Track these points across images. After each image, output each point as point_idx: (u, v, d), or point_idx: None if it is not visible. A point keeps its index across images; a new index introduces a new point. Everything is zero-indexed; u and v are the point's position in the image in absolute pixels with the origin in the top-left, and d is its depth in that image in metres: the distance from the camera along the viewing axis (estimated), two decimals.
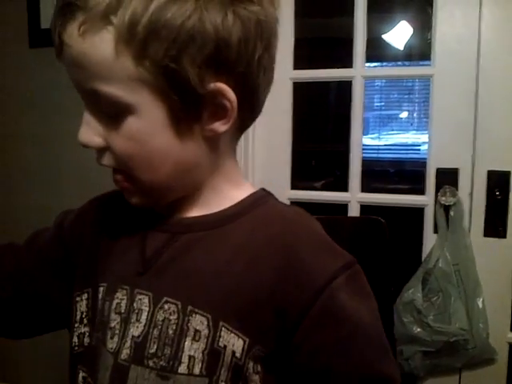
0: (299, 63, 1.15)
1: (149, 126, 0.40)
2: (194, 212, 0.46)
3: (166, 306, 0.43)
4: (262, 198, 0.48)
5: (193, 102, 0.39)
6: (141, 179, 0.42)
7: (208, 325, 0.41)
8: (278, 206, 0.49)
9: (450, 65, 1.04)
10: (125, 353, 0.43)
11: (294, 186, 1.17)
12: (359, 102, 1.11)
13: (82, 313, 0.48)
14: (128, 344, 0.43)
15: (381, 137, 3.18)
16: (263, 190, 0.50)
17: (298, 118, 1.17)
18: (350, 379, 0.40)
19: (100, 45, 0.37)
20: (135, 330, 0.43)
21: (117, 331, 0.44)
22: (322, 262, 0.42)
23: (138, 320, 0.43)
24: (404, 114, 3.24)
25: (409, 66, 2.49)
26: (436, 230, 1.06)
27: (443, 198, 1.04)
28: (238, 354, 0.41)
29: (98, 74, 0.38)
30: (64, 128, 1.23)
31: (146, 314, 0.43)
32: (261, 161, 1.15)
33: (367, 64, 1.14)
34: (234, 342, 0.41)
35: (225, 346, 0.41)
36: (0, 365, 1.41)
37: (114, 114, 0.40)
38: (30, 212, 1.31)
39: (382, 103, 3.22)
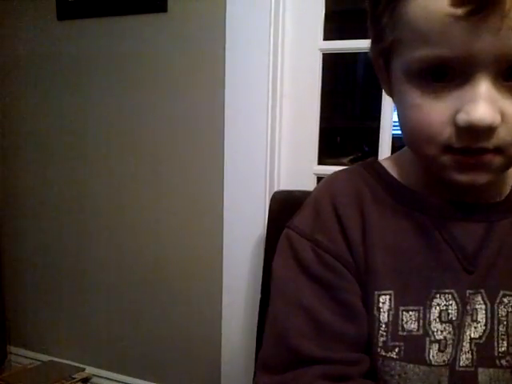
0: (329, 36, 1.11)
1: None
2: (490, 198, 0.44)
3: (505, 300, 0.41)
4: None
5: None
6: None
7: None
8: None
9: None
10: (464, 358, 0.40)
11: (321, 162, 1.16)
12: None
13: None
14: (467, 348, 0.40)
15: None
16: None
17: (326, 91, 1.14)
18: None
19: None
20: (473, 332, 0.40)
21: (449, 341, 0.40)
22: None
23: (474, 320, 0.40)
24: None
25: None
26: None
27: None
28: None
29: None
30: (92, 101, 1.25)
31: (484, 312, 0.40)
32: (288, 135, 1.13)
33: None
34: None
35: None
36: (22, 332, 1.46)
37: None
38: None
39: None
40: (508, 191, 0.45)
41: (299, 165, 1.14)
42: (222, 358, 1.17)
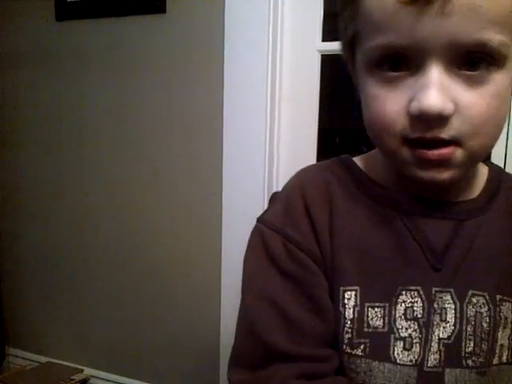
0: (328, 37, 1.11)
1: (509, 84, 0.37)
2: (459, 196, 0.43)
3: (474, 300, 0.40)
4: (497, 168, 0.47)
5: None
6: (476, 147, 0.37)
7: (511, 310, 0.40)
8: None
9: None
10: (432, 359, 0.40)
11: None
12: None
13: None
14: (435, 348, 0.40)
15: None
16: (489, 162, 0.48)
17: (325, 93, 1.14)
18: None
19: None
20: (442, 332, 0.40)
21: (415, 340, 0.40)
22: None
23: (443, 320, 0.40)
24: None
25: None
26: None
27: None
28: None
29: (493, 21, 0.34)
30: (90, 101, 1.25)
31: (453, 311, 0.40)
32: (286, 136, 1.14)
33: None
34: None
35: None
36: (20, 333, 1.46)
37: (487, 68, 0.35)
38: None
39: None
40: (480, 190, 0.44)
41: (298, 166, 1.13)
42: (220, 358, 1.17)
